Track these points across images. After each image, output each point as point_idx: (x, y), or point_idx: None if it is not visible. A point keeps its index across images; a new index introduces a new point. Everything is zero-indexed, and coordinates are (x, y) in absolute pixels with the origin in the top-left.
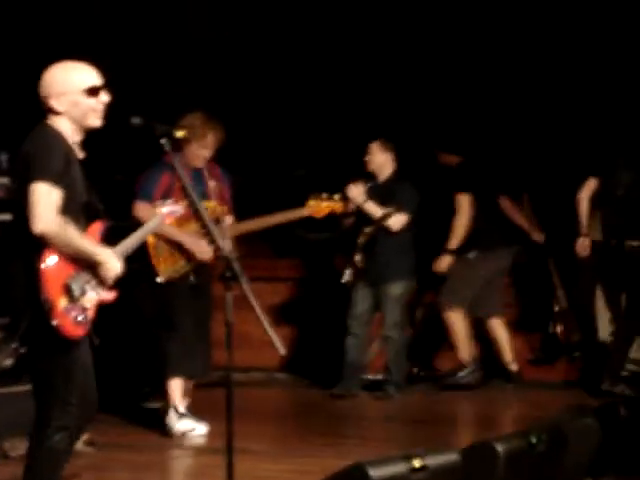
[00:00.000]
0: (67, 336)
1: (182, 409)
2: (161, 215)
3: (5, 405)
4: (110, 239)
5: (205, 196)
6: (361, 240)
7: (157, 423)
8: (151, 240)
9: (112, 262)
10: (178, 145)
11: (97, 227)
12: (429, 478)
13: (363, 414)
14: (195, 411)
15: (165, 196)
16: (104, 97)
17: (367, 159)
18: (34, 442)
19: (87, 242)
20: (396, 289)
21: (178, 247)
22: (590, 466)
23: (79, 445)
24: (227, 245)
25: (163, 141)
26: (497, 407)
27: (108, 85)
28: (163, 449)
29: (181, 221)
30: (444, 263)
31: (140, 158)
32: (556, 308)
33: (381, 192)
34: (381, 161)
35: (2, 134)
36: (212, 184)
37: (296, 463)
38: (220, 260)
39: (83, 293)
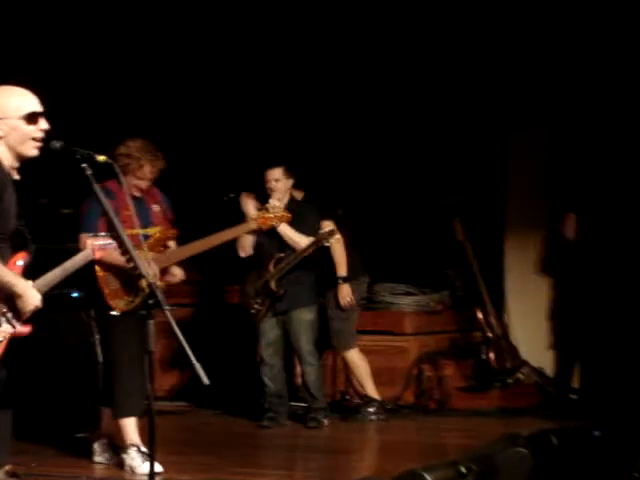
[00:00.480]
0: None
1: (144, 448)
2: (90, 249)
3: None
4: (35, 264)
5: (150, 222)
6: (280, 267)
7: (81, 453)
8: (101, 273)
9: (31, 295)
10: (121, 170)
11: (21, 256)
12: None
13: (288, 444)
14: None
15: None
16: (43, 124)
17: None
18: None
19: (7, 272)
20: (307, 314)
21: (128, 278)
22: None
23: (1, 476)
24: (152, 272)
25: (84, 165)
26: (427, 436)
27: (46, 112)
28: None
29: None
30: (345, 292)
31: (66, 180)
32: (489, 334)
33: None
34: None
35: None
36: (156, 208)
37: None
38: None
39: None
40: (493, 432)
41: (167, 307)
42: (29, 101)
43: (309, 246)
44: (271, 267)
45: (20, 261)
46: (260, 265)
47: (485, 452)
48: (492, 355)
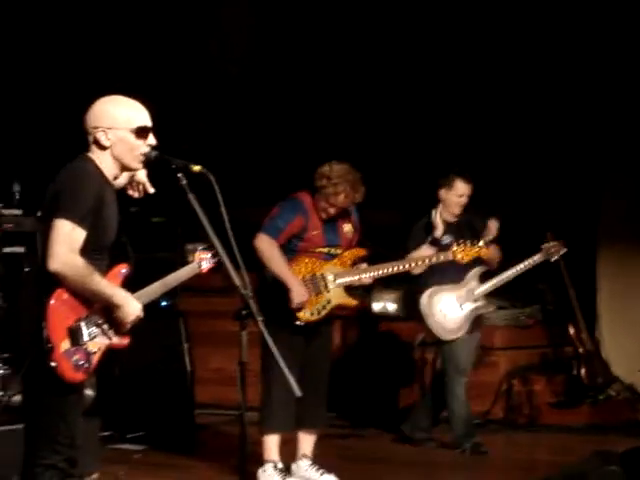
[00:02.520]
0: (65, 379)
1: (281, 465)
2: (197, 263)
3: (15, 443)
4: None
5: (337, 244)
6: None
7: (172, 464)
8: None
9: (131, 305)
10: (317, 189)
11: (122, 267)
12: None
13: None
14: (210, 451)
15: (292, 240)
16: (152, 140)
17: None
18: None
19: (105, 284)
20: None
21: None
22: None
23: None
24: (243, 282)
25: (179, 175)
26: (516, 451)
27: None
28: None
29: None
30: None
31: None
32: (580, 350)
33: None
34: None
35: (15, 164)
36: (346, 228)
37: None
38: (239, 297)
39: (91, 338)
40: (583, 449)
41: (260, 318)
42: (140, 114)
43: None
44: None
45: (122, 271)
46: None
47: (578, 469)
48: (583, 371)
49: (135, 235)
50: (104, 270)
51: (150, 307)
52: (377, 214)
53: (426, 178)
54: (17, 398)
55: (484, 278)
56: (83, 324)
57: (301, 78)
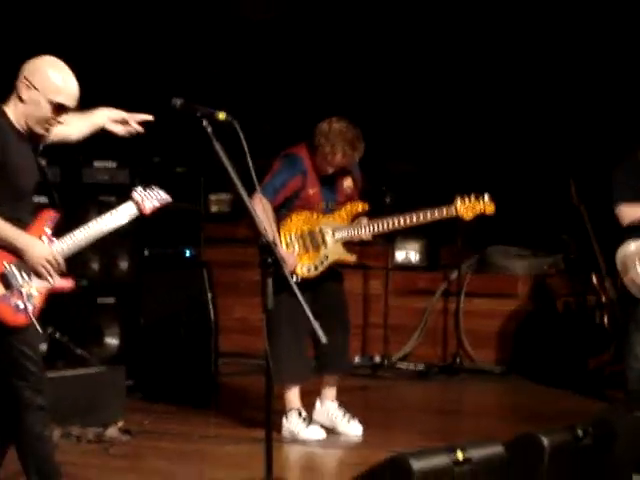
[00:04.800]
0: (7, 323)
1: (305, 413)
2: (134, 204)
3: None
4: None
5: (335, 200)
6: None
7: (196, 412)
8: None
9: (35, 250)
10: (314, 146)
11: (48, 214)
12: (472, 471)
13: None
14: (231, 400)
15: (289, 199)
16: (62, 119)
17: None
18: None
19: (8, 228)
20: None
21: (311, 243)
22: (639, 461)
23: (114, 432)
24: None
25: (204, 123)
26: (540, 400)
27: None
28: (201, 438)
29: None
30: None
31: (180, 139)
32: (603, 299)
33: None
34: None
35: None
36: (345, 184)
37: (332, 453)
38: (261, 246)
39: (25, 281)
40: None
41: (285, 266)
42: (69, 93)
43: None
44: None
45: (50, 215)
46: None
47: (603, 416)
48: (606, 319)
49: (158, 185)
50: (27, 216)
51: (174, 257)
52: (394, 164)
53: (442, 130)
54: (42, 346)
55: None
56: (14, 268)
57: (322, 28)
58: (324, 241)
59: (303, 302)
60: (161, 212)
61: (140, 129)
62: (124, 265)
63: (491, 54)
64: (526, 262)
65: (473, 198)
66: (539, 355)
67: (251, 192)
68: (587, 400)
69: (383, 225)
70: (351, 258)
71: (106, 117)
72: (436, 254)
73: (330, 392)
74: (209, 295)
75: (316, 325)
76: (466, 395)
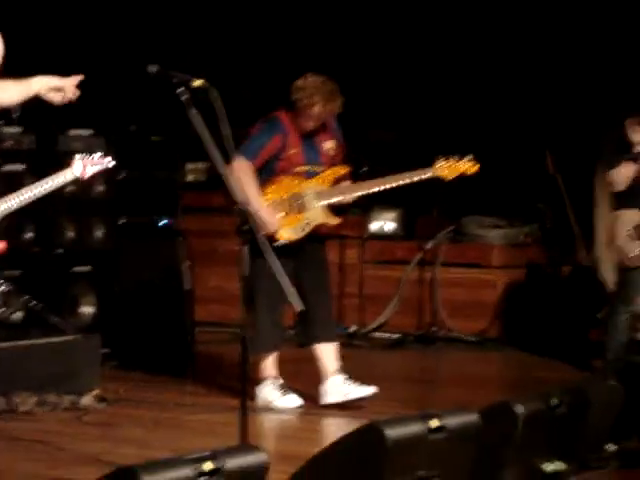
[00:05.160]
0: None
1: (281, 381)
2: (72, 169)
3: (15, 360)
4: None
5: (318, 161)
6: None
7: (172, 380)
8: (269, 200)
9: None
10: (293, 103)
11: None
12: (447, 438)
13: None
14: (210, 369)
15: (271, 160)
16: None
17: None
18: None
19: None
20: None
21: (294, 208)
22: (613, 430)
23: (89, 400)
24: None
25: (180, 90)
26: (514, 369)
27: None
28: (176, 406)
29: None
30: None
31: (156, 107)
32: None
33: None
34: None
35: None
36: (327, 145)
37: (307, 421)
38: (237, 214)
39: None
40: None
41: (261, 233)
42: None
43: None
44: None
45: None
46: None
47: (578, 385)
48: None
49: (134, 153)
50: None
51: (150, 226)
52: (374, 132)
53: (420, 99)
54: (18, 315)
55: None
56: None
57: None
58: (307, 204)
59: (279, 269)
60: (138, 180)
61: (74, 96)
62: (100, 233)
63: (471, 22)
64: (502, 232)
65: (456, 158)
66: (517, 324)
67: (229, 160)
68: (564, 368)
69: (364, 188)
70: (334, 221)
71: (42, 84)
72: (412, 224)
73: (330, 362)
74: (185, 264)
75: (291, 293)
76: (442, 364)
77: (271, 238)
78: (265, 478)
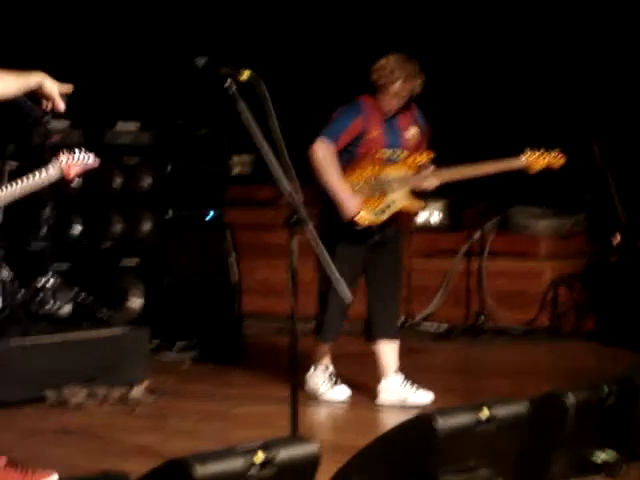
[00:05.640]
0: None
1: (332, 369)
2: (58, 166)
3: (64, 352)
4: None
5: (399, 145)
6: None
7: (220, 372)
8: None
9: None
10: (375, 85)
11: None
12: (497, 429)
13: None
14: (258, 361)
15: (352, 143)
16: None
17: None
18: None
19: None
20: None
21: (376, 192)
22: None
23: (140, 393)
24: (291, 190)
25: (228, 83)
26: (562, 359)
27: None
28: (225, 398)
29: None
30: None
31: (203, 100)
32: None
33: None
34: None
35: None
36: (410, 132)
37: (358, 412)
38: (286, 205)
39: None
40: (628, 357)
41: (310, 224)
42: None
43: None
44: None
45: None
46: None
47: (627, 374)
48: None
49: (181, 147)
50: None
51: (197, 219)
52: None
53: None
54: (67, 308)
55: None
56: None
57: None
58: (389, 188)
59: (327, 260)
60: (185, 174)
61: (62, 109)
62: (147, 227)
63: (512, 9)
64: (549, 222)
65: (543, 150)
66: (565, 314)
67: (277, 153)
68: (615, 357)
69: (449, 175)
70: (419, 204)
71: (41, 81)
72: (458, 215)
73: (391, 361)
74: (232, 256)
75: (340, 283)
76: (489, 355)
77: (350, 222)
78: (317, 469)
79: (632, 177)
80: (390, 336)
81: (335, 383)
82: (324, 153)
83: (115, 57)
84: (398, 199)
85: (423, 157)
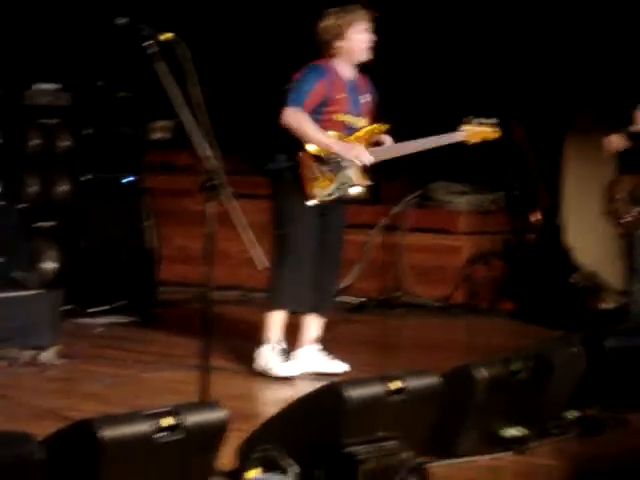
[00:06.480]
0: None
1: (284, 345)
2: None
3: None
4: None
5: (359, 112)
6: None
7: (134, 338)
8: (307, 156)
9: None
10: (329, 49)
11: None
12: (407, 400)
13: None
14: (172, 327)
15: (316, 110)
16: None
17: None
18: None
19: None
20: None
21: (332, 168)
22: (574, 396)
23: (51, 356)
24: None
25: (147, 44)
26: (477, 335)
27: None
28: (136, 364)
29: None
30: None
31: (123, 62)
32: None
33: None
34: None
35: None
36: (365, 98)
37: (269, 381)
38: (203, 171)
39: None
40: (543, 334)
41: (227, 192)
42: None
43: None
44: None
45: None
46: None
47: (540, 350)
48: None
49: (100, 109)
50: None
51: (115, 182)
52: None
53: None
54: None
55: None
56: None
57: None
58: (344, 164)
59: (244, 227)
60: (104, 136)
61: None
62: (64, 189)
63: None
64: (468, 198)
65: (479, 123)
66: (482, 290)
67: (197, 118)
68: (529, 334)
69: (398, 151)
70: (367, 182)
71: None
72: (378, 189)
73: (312, 331)
74: (150, 222)
75: (257, 250)
76: (405, 329)
77: (305, 196)
78: (224, 434)
79: (551, 155)
80: (322, 312)
81: (286, 358)
82: (296, 119)
83: (35, 16)
84: (351, 177)
85: (381, 128)
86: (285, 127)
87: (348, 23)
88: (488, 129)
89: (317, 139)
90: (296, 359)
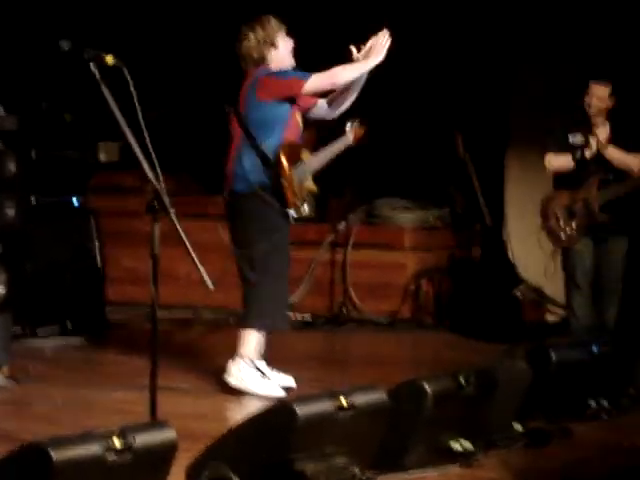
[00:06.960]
0: None
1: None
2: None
3: None
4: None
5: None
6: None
7: (83, 359)
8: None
9: None
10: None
11: None
12: (355, 416)
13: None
14: (121, 348)
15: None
16: None
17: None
18: None
19: None
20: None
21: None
22: (520, 409)
23: (0, 378)
24: (157, 178)
25: (92, 66)
26: (423, 350)
27: None
28: (86, 385)
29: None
30: None
31: (68, 85)
32: None
33: None
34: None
35: None
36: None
37: (218, 401)
38: (149, 192)
39: None
40: (490, 349)
41: (172, 211)
42: None
43: None
44: (593, 189)
45: None
46: (575, 184)
47: (485, 366)
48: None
49: (45, 132)
50: None
51: (61, 205)
52: None
53: None
54: None
55: None
56: None
57: None
58: (307, 172)
59: (188, 245)
60: (50, 159)
61: None
62: (10, 212)
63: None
64: (413, 214)
65: (353, 120)
66: (428, 306)
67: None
68: (475, 349)
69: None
70: (315, 189)
71: None
72: (324, 206)
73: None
74: (96, 243)
75: (202, 270)
76: (352, 345)
77: (285, 214)
78: (175, 454)
79: (495, 170)
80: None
81: (266, 377)
82: (321, 77)
83: None
84: (310, 185)
85: (312, 135)
86: (313, 93)
87: (275, 31)
88: (358, 129)
89: (356, 68)
90: (269, 377)
